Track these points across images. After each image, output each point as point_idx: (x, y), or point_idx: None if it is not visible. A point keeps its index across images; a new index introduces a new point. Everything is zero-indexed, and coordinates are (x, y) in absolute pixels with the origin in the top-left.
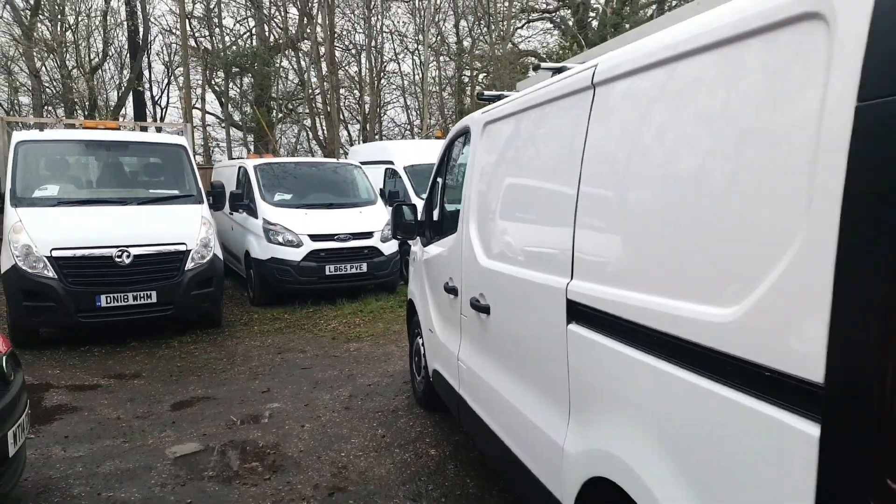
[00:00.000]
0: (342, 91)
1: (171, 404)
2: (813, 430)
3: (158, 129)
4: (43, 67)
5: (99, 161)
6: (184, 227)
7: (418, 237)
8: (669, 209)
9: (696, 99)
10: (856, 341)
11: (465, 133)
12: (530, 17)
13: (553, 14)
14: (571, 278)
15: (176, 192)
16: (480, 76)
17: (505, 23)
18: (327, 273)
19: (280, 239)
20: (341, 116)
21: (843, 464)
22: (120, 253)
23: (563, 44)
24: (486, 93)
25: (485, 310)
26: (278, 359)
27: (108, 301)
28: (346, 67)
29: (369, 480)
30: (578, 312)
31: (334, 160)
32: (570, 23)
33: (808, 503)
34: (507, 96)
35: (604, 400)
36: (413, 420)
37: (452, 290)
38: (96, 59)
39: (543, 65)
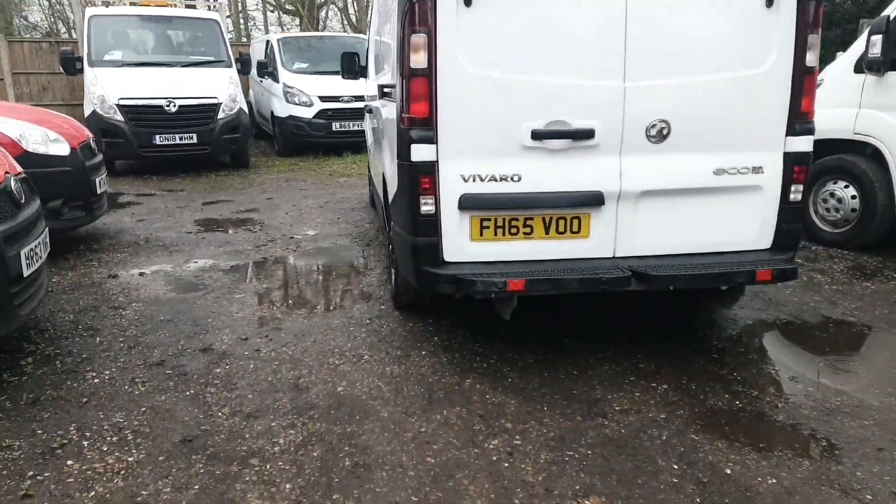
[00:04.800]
0: None
1: (202, 203)
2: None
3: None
4: None
5: (151, 32)
6: (216, 85)
7: (362, 77)
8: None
9: None
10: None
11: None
12: None
13: None
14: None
15: (211, 57)
16: None
17: None
18: (334, 129)
19: (296, 100)
20: None
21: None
22: (168, 103)
23: None
24: None
25: (369, 111)
26: (285, 184)
27: (162, 140)
28: None
29: (319, 233)
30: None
31: (346, 34)
32: None
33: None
34: None
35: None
36: (361, 213)
37: (368, 109)
38: None
39: None
